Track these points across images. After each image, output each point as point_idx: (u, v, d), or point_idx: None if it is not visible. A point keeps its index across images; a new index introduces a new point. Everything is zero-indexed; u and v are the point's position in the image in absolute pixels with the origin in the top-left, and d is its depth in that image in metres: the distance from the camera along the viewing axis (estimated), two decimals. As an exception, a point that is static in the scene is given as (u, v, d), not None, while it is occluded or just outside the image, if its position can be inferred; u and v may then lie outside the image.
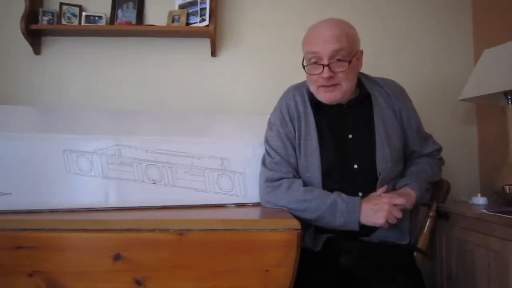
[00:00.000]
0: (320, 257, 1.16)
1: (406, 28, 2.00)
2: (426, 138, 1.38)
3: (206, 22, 1.83)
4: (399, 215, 1.13)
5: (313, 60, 1.21)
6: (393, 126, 1.27)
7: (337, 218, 1.14)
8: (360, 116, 1.27)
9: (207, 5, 1.84)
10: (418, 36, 1.99)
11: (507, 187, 1.41)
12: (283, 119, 1.29)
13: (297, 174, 1.25)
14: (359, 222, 1.13)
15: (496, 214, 1.22)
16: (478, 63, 1.65)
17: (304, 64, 1.24)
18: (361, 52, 1.27)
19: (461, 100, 1.68)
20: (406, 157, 1.34)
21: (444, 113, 1.96)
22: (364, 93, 1.29)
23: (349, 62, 1.18)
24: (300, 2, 1.99)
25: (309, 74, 1.24)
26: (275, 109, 1.35)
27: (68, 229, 0.95)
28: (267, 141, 1.30)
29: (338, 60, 1.17)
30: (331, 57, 1.17)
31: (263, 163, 1.28)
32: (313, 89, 1.25)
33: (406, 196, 1.19)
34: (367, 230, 1.19)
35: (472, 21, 2.00)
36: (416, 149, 1.34)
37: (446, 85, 1.95)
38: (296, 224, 0.98)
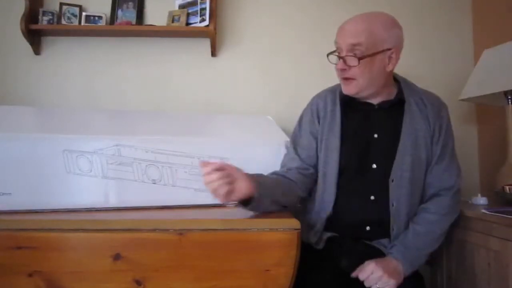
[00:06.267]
0: (322, 256, 1.17)
1: (406, 28, 1.97)
2: (453, 161, 1.27)
3: (206, 22, 1.83)
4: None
5: (337, 51, 1.23)
6: (423, 136, 1.23)
7: None
8: (389, 119, 1.25)
9: (207, 5, 1.84)
10: (417, 36, 1.99)
11: (507, 187, 1.41)
12: (311, 117, 1.31)
13: (313, 169, 1.26)
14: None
15: (496, 214, 1.21)
16: (478, 63, 1.65)
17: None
18: (393, 51, 1.21)
19: (461, 100, 1.68)
20: (424, 187, 1.26)
21: (444, 113, 1.95)
22: (399, 98, 1.26)
23: (361, 58, 1.16)
24: (300, 2, 1.99)
25: (332, 63, 1.25)
26: (307, 106, 1.37)
27: (68, 229, 0.95)
28: (292, 136, 1.34)
29: (354, 55, 1.17)
30: (348, 50, 1.18)
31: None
32: (339, 79, 1.26)
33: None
34: (371, 234, 1.21)
35: (472, 21, 2.00)
36: (433, 180, 1.24)
37: (446, 85, 1.94)
38: (296, 224, 0.98)
